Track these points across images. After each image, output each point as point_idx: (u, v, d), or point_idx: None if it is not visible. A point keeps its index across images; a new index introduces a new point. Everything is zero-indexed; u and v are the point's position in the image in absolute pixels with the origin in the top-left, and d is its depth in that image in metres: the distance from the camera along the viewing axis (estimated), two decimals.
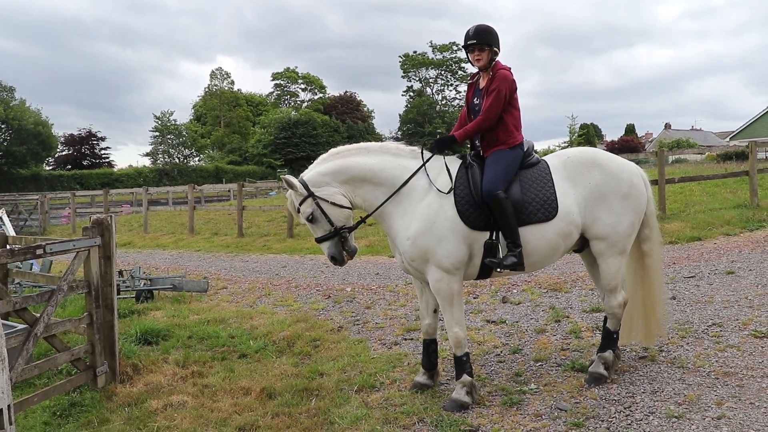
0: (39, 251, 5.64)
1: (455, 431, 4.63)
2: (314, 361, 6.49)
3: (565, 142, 59.83)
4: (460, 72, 73.51)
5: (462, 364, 5.13)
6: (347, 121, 66.76)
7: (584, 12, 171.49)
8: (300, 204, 5.12)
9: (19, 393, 5.93)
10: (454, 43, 73.09)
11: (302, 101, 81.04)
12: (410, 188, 5.14)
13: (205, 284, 10.19)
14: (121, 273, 10.28)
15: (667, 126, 76.75)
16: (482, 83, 5.37)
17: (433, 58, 73.23)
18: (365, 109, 77.13)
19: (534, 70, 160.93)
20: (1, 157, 52.49)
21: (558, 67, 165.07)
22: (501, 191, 4.94)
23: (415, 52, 74.37)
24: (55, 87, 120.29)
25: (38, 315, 5.56)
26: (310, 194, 5.09)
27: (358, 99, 76.67)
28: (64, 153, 60.98)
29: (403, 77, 76.52)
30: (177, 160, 64.27)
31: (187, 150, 66.18)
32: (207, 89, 75.18)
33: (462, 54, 73.26)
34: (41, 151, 54.09)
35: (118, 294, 8.47)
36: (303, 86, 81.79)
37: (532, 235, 5.04)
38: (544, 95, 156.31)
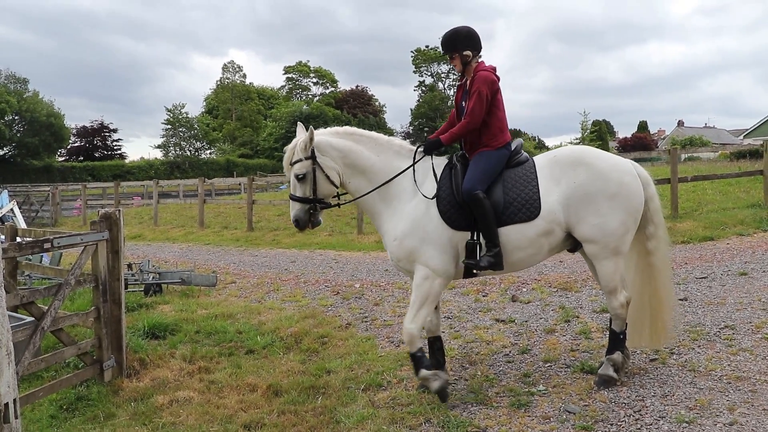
0: (47, 245, 5.63)
1: None
2: (321, 359, 6.46)
3: (576, 139, 59.32)
4: None
5: (418, 360, 5.14)
6: (359, 115, 66.80)
7: (595, 7, 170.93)
8: (297, 162, 5.17)
9: (26, 386, 5.94)
10: None
11: (314, 95, 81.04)
12: (400, 190, 5.22)
13: (214, 279, 10.17)
14: (130, 266, 10.29)
15: (680, 123, 76.25)
16: (468, 85, 5.37)
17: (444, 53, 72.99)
18: (377, 103, 77.09)
19: (545, 66, 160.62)
20: (14, 148, 52.88)
21: (569, 62, 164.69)
22: (480, 191, 4.96)
23: (427, 46, 74.18)
24: (67, 79, 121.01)
25: (46, 309, 5.56)
26: (313, 158, 5.15)
27: (370, 93, 76.64)
28: (76, 144, 61.31)
29: (414, 72, 76.44)
30: (188, 153, 64.44)
31: (198, 143, 66.35)
32: (219, 82, 75.41)
33: None
34: (53, 143, 54.44)
35: (127, 287, 8.48)
36: (315, 80, 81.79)
37: (513, 235, 5.04)
38: (554, 91, 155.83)
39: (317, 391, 5.56)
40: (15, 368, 4.48)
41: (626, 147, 59.21)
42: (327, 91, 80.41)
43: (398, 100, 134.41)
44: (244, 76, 76.19)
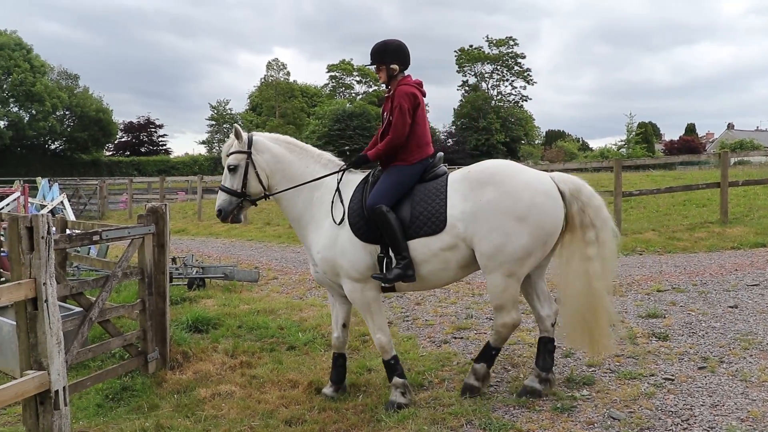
0: (96, 237, 5.73)
1: None
2: (362, 357, 6.46)
3: (622, 140, 58.49)
4: (516, 67, 72.51)
5: (391, 368, 5.22)
6: None
7: (643, 8, 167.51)
8: (233, 153, 5.38)
9: (74, 375, 6.05)
10: (510, 38, 72.09)
11: (357, 93, 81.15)
12: (320, 202, 5.36)
13: (256, 274, 10.26)
14: (174, 260, 10.43)
15: (730, 126, 74.51)
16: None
17: (489, 53, 72.45)
18: None
19: (590, 67, 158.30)
20: (65, 142, 54.24)
21: (615, 64, 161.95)
22: (383, 206, 4.95)
23: (471, 46, 73.66)
24: (116, 75, 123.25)
25: (94, 300, 5.66)
26: (249, 153, 5.37)
27: None
28: (123, 139, 62.52)
29: (458, 72, 75.94)
30: None
31: None
32: (263, 80, 75.89)
33: (519, 49, 72.82)
34: (102, 138, 55.73)
35: (171, 281, 8.59)
36: (358, 78, 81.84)
37: (420, 249, 4.99)
38: (600, 92, 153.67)
39: (358, 389, 5.56)
40: (64, 357, 4.56)
41: (673, 150, 58.07)
42: (370, 90, 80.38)
43: (441, 99, 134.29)
44: (288, 73, 76.67)
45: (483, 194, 4.92)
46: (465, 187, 5.02)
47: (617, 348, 5.73)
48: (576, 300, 5.10)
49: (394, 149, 5.16)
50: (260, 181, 5.37)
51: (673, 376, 5.35)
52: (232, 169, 5.34)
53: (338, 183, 5.33)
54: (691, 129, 78.32)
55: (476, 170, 5.16)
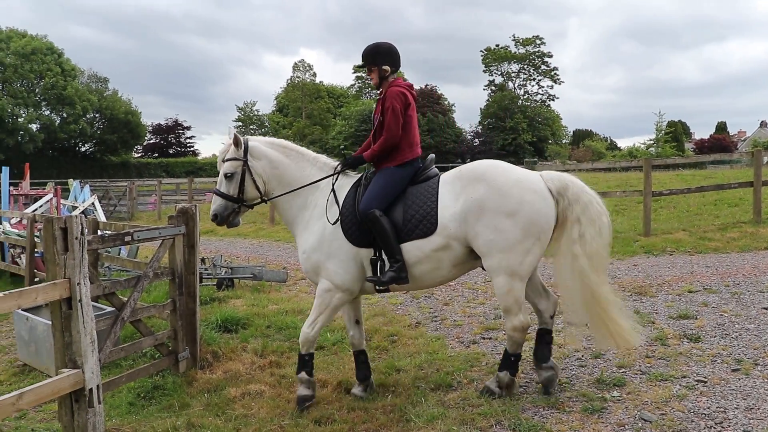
0: (127, 238, 5.81)
1: None
2: (391, 357, 6.46)
3: (650, 140, 57.72)
4: (543, 66, 71.96)
5: (304, 362, 5.37)
6: (428, 114, 66.39)
7: (672, 5, 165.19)
8: (230, 160, 5.38)
9: (106, 373, 6.13)
10: (537, 37, 71.59)
11: None
12: (315, 206, 5.38)
13: (285, 275, 10.31)
14: (203, 261, 10.52)
15: (763, 124, 73.14)
16: None
17: (515, 52, 71.99)
18: (446, 102, 76.61)
19: (618, 65, 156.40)
20: (95, 144, 55.02)
21: (643, 62, 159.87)
22: (375, 210, 5.00)
23: (497, 45, 73.28)
24: (144, 78, 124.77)
25: (126, 300, 5.74)
26: (245, 161, 5.37)
27: (439, 92, 76.18)
28: (151, 141, 63.25)
29: (484, 71, 75.49)
30: None
31: None
32: (289, 81, 76.22)
33: (545, 48, 72.31)
34: (130, 140, 56.40)
35: (201, 282, 8.67)
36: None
37: (413, 251, 5.04)
38: (627, 91, 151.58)
39: (387, 389, 5.56)
40: (98, 356, 4.63)
41: (703, 148, 57.13)
42: None
43: (467, 99, 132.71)
44: (314, 74, 76.88)
45: (474, 191, 5.01)
46: (457, 186, 5.12)
47: (641, 338, 5.62)
48: (577, 297, 5.12)
49: (389, 149, 5.24)
50: (257, 187, 5.41)
51: (705, 378, 5.28)
52: (228, 176, 5.36)
53: (333, 185, 5.37)
54: (722, 127, 77.03)
55: (467, 169, 5.26)
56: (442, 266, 5.11)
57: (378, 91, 5.48)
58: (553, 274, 5.68)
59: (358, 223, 5.10)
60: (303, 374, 5.33)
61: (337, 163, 5.54)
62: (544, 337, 5.36)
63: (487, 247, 4.93)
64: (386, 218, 5.02)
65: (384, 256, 5.08)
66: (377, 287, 5.17)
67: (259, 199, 5.50)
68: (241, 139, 5.38)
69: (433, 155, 5.56)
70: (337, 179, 5.41)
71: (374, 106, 5.60)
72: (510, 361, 5.21)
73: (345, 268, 5.17)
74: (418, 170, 5.34)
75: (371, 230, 5.03)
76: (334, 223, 5.19)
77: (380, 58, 5.35)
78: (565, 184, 5.12)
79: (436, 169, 5.42)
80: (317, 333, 5.37)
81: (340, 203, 5.26)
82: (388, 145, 5.21)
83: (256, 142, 5.49)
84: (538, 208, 4.95)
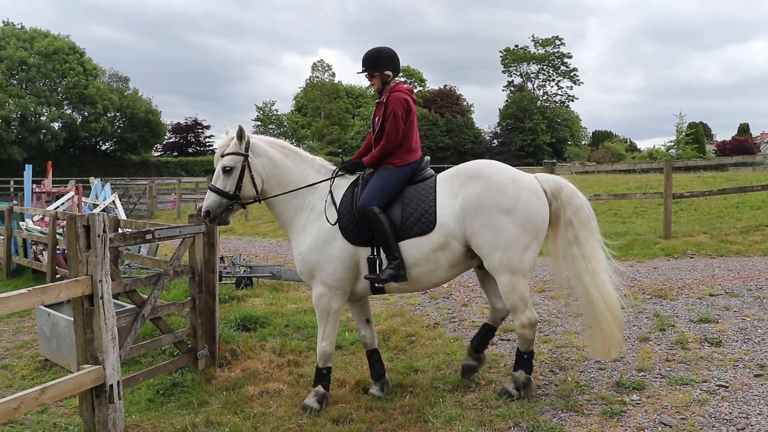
0: (148, 236, 5.85)
1: None
2: (409, 357, 6.46)
3: (671, 141, 57.28)
4: (562, 67, 71.62)
5: (321, 376, 5.36)
6: (446, 114, 66.27)
7: (693, 5, 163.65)
8: (230, 154, 5.24)
9: (126, 370, 6.17)
10: (556, 37, 71.27)
11: None
12: (312, 207, 5.35)
13: None
14: (222, 259, 10.57)
15: None
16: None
17: (535, 53, 71.71)
18: (464, 103, 76.40)
19: (637, 66, 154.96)
20: (115, 143, 55.57)
21: (664, 62, 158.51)
22: (375, 207, 5.03)
23: (516, 46, 73.02)
24: (164, 77, 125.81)
25: (146, 297, 5.78)
26: (246, 156, 5.26)
27: (458, 93, 76.01)
28: (171, 140, 63.68)
29: (503, 72, 75.27)
30: None
31: (287, 140, 67.28)
32: (308, 81, 76.54)
33: (565, 48, 71.94)
34: (150, 138, 56.94)
35: (220, 280, 8.71)
36: (403, 79, 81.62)
37: (411, 250, 5.08)
38: (647, 92, 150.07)
39: (405, 389, 5.56)
40: (119, 352, 4.67)
41: (725, 150, 56.59)
42: (415, 91, 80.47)
43: (486, 99, 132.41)
44: (333, 74, 77.14)
45: (471, 189, 5.09)
46: (454, 184, 5.20)
47: (618, 353, 5.64)
48: (577, 296, 5.39)
49: (387, 155, 5.29)
50: (254, 185, 5.30)
51: (727, 383, 5.22)
52: (227, 171, 5.21)
53: (330, 187, 5.37)
54: (744, 129, 76.09)
55: (464, 168, 5.33)
56: (440, 266, 5.17)
57: (379, 95, 5.51)
58: (552, 274, 5.83)
59: (356, 221, 5.12)
60: (319, 387, 5.34)
61: (335, 166, 5.55)
62: (488, 333, 5.73)
63: (486, 245, 5.00)
64: (384, 215, 5.06)
65: (382, 255, 5.11)
66: (375, 286, 5.20)
67: (254, 199, 5.42)
68: (246, 132, 5.31)
69: (428, 158, 5.59)
70: (333, 182, 5.41)
71: (374, 108, 5.63)
72: (523, 359, 5.23)
73: (342, 269, 5.17)
74: (416, 171, 5.38)
75: (370, 227, 5.06)
76: (335, 223, 5.19)
77: (382, 64, 5.37)
78: (559, 186, 5.24)
79: (432, 170, 5.48)
80: (332, 344, 5.38)
81: (338, 204, 5.26)
82: (387, 151, 5.27)
83: (256, 139, 5.44)
84: (533, 206, 5.05)
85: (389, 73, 5.39)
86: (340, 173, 5.46)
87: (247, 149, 5.28)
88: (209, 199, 5.25)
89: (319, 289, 5.25)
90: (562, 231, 5.20)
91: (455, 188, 5.17)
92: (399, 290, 5.41)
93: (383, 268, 5.09)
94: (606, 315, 5.14)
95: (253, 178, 5.27)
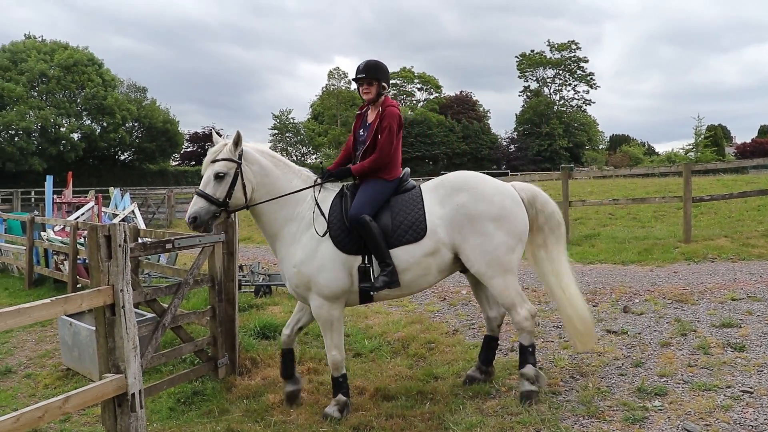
0: (168, 246, 5.89)
1: None
2: (429, 364, 6.45)
3: (689, 144, 56.80)
4: (579, 71, 71.43)
5: (338, 384, 5.40)
6: (463, 121, 66.24)
7: (710, 8, 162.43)
8: (223, 160, 5.19)
9: (147, 378, 6.22)
10: (572, 42, 71.17)
11: (418, 101, 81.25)
12: (300, 217, 5.36)
13: None
14: (241, 268, 10.62)
15: None
16: (370, 116, 5.58)
17: (551, 58, 71.58)
18: (481, 109, 76.34)
19: (655, 70, 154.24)
20: (134, 153, 56.07)
21: (682, 66, 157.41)
22: (366, 215, 5.11)
23: (532, 51, 72.97)
24: (181, 87, 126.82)
25: (166, 306, 5.82)
26: (239, 164, 5.23)
27: (474, 99, 76.01)
28: (188, 149, 64.07)
29: (519, 77, 75.26)
30: (294, 158, 66.15)
31: (304, 148, 67.92)
32: (324, 89, 76.79)
33: (581, 53, 71.77)
34: (168, 148, 57.45)
35: (239, 289, 8.75)
36: (419, 86, 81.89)
37: (402, 256, 5.19)
38: (666, 96, 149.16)
39: (425, 396, 5.55)
40: (140, 361, 4.70)
41: (745, 153, 56.08)
42: (431, 97, 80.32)
43: (502, 105, 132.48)
44: (349, 82, 77.20)
45: (459, 198, 5.34)
46: (441, 194, 5.40)
47: (589, 347, 6.01)
48: (555, 299, 5.86)
49: (379, 167, 5.35)
50: (245, 193, 5.23)
51: (751, 388, 5.16)
52: (220, 177, 5.13)
53: (316, 197, 5.39)
54: (764, 131, 75.35)
55: (448, 179, 5.58)
56: (431, 272, 5.34)
57: (368, 105, 5.61)
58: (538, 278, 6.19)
59: (347, 230, 5.18)
60: (340, 396, 5.36)
61: (318, 176, 5.56)
62: (491, 344, 5.93)
63: (475, 252, 5.26)
64: (375, 223, 5.14)
65: (374, 263, 5.17)
66: (369, 293, 5.24)
67: (242, 207, 5.37)
68: (242, 139, 5.27)
69: (408, 169, 5.69)
70: (319, 192, 5.43)
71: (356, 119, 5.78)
72: (528, 353, 5.42)
73: (335, 278, 5.18)
74: (400, 182, 5.51)
75: (361, 235, 5.12)
76: (323, 234, 5.21)
77: (382, 75, 5.51)
78: (534, 195, 5.65)
79: (413, 181, 5.63)
80: (341, 351, 5.39)
81: (326, 214, 5.29)
82: (379, 163, 5.34)
83: (248, 147, 5.40)
84: (516, 214, 5.40)
85: (385, 85, 5.52)
86: (330, 179, 5.52)
87: (240, 156, 5.25)
88: (197, 205, 5.11)
89: (316, 300, 5.26)
90: (533, 236, 5.61)
91: (442, 198, 5.38)
92: (387, 297, 5.50)
93: (377, 276, 5.15)
94: (569, 312, 5.57)
95: (244, 186, 5.22)
